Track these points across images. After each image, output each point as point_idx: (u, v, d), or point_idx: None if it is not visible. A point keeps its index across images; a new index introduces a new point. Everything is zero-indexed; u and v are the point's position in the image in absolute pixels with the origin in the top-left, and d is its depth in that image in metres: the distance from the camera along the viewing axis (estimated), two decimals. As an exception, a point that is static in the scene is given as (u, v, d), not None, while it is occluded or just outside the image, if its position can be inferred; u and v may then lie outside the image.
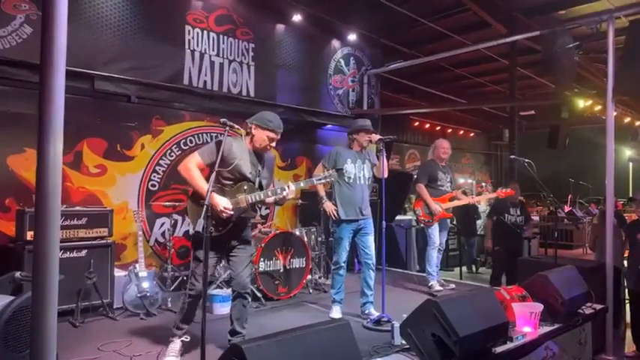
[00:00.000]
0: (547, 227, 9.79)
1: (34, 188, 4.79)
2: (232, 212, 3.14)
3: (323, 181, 3.56)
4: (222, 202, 3.11)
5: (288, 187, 3.26)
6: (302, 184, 3.49)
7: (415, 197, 5.70)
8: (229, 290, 4.48)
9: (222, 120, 3.17)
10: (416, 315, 2.72)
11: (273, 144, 3.37)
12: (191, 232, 3.26)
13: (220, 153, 3.02)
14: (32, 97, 4.42)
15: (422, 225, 5.73)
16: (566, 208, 10.74)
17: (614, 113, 4.60)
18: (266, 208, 6.58)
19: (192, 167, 3.15)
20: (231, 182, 3.24)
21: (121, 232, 5.08)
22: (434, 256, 5.46)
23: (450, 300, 2.69)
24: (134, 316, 4.30)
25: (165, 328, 3.89)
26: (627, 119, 11.81)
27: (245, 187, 3.27)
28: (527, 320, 2.97)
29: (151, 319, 4.27)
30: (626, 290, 4.92)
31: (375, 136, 4.30)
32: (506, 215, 5.89)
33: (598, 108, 10.96)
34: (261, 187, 3.37)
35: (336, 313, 4.28)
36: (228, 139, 3.18)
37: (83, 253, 4.33)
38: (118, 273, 4.64)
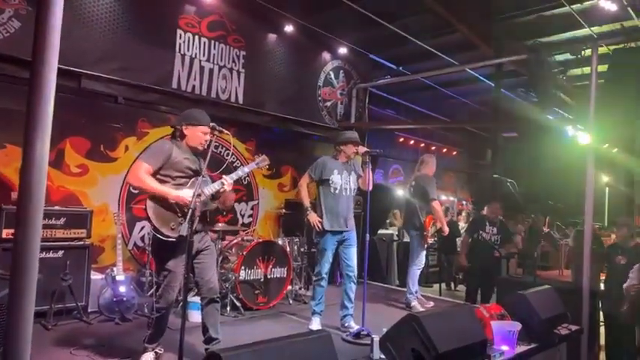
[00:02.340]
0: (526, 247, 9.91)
1: (14, 185, 4.65)
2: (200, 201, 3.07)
3: (256, 166, 3.54)
4: (186, 195, 3.04)
5: (225, 180, 3.22)
6: (236, 176, 3.37)
7: (425, 214, 5.33)
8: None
9: (211, 124, 3.17)
10: (396, 329, 2.72)
11: (207, 138, 3.25)
12: (161, 237, 3.12)
13: (162, 152, 3.12)
14: (16, 93, 4.37)
15: (426, 244, 5.43)
16: (544, 230, 10.90)
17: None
18: (249, 216, 6.54)
19: (144, 175, 3.07)
20: (185, 179, 3.19)
21: (99, 234, 4.99)
22: (417, 275, 5.46)
23: (431, 316, 2.71)
24: (109, 320, 4.21)
25: (140, 334, 3.81)
26: (605, 145, 12.12)
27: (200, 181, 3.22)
28: (505, 339, 2.99)
29: (127, 325, 4.18)
30: (601, 313, 5.01)
31: (363, 148, 4.33)
32: (481, 233, 5.93)
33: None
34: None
35: (315, 324, 4.25)
36: (168, 141, 3.27)
37: (59, 253, 4.24)
38: (95, 276, 4.54)
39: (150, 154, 3.25)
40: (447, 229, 5.38)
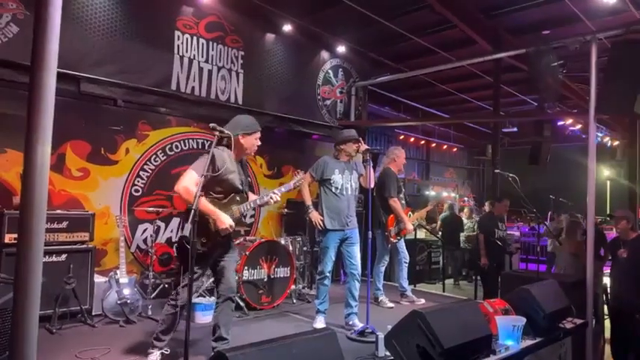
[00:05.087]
0: (528, 242, 9.93)
1: (15, 190, 4.65)
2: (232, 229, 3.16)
3: (298, 183, 3.62)
4: (228, 220, 3.11)
5: (274, 194, 3.34)
6: (284, 190, 3.51)
7: (387, 213, 5.23)
8: (212, 299, 4.44)
9: (211, 125, 3.16)
10: (401, 326, 2.71)
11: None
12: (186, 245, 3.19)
13: (215, 166, 3.10)
14: (14, 97, 4.37)
15: (389, 244, 5.31)
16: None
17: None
18: (251, 217, 6.54)
19: (192, 187, 3.00)
20: (222, 195, 3.22)
21: (101, 238, 4.99)
22: (406, 271, 5.45)
23: (436, 311, 2.70)
24: (113, 323, 4.21)
25: (145, 336, 3.82)
26: (606, 139, 12.13)
27: (237, 199, 3.29)
28: (510, 333, 2.99)
29: (131, 327, 4.18)
30: (605, 306, 5.00)
31: (364, 146, 4.34)
32: (496, 231, 5.92)
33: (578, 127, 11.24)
34: (246, 195, 3.41)
35: (319, 323, 4.25)
36: (218, 151, 3.16)
37: (63, 257, 4.24)
38: (98, 279, 4.54)
39: (200, 164, 3.10)
40: (410, 228, 5.27)
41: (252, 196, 3.48)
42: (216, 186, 3.18)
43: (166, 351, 3.32)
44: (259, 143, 3.41)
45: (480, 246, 6.13)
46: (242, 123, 3.34)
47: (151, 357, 3.24)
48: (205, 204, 3.08)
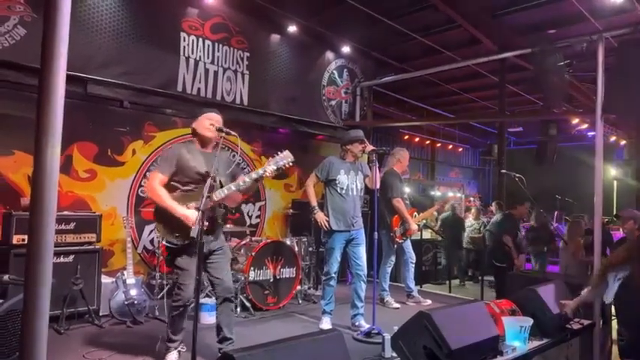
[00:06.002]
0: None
1: (23, 191, 4.67)
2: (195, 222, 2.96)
3: (281, 163, 3.33)
4: (191, 215, 3.04)
5: (244, 181, 3.18)
6: (254, 175, 3.22)
7: (391, 214, 5.26)
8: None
9: (217, 127, 3.18)
10: (407, 327, 2.72)
11: (216, 127, 3.23)
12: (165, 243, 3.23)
13: (174, 160, 3.19)
14: (21, 99, 4.41)
15: (395, 244, 5.32)
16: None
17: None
18: (257, 217, 6.55)
19: (158, 187, 3.16)
20: (193, 185, 3.20)
21: (108, 238, 5.02)
22: (412, 271, 5.45)
23: (442, 312, 2.71)
24: (121, 323, 4.23)
25: (152, 337, 3.84)
26: (612, 138, 12.06)
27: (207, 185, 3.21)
28: (517, 334, 2.98)
29: (138, 327, 4.21)
30: (613, 307, 4.97)
31: (369, 147, 4.34)
32: (518, 234, 5.91)
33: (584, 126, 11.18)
34: (221, 185, 3.27)
35: (325, 324, 4.25)
36: (176, 145, 3.37)
37: (70, 258, 4.26)
38: (105, 279, 4.56)
39: (161, 162, 3.35)
40: (414, 228, 5.28)
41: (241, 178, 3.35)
42: (182, 176, 3.19)
43: (183, 349, 3.35)
44: (212, 128, 3.25)
45: (508, 247, 5.97)
46: (197, 115, 3.39)
47: (169, 356, 3.26)
48: (168, 203, 3.10)
